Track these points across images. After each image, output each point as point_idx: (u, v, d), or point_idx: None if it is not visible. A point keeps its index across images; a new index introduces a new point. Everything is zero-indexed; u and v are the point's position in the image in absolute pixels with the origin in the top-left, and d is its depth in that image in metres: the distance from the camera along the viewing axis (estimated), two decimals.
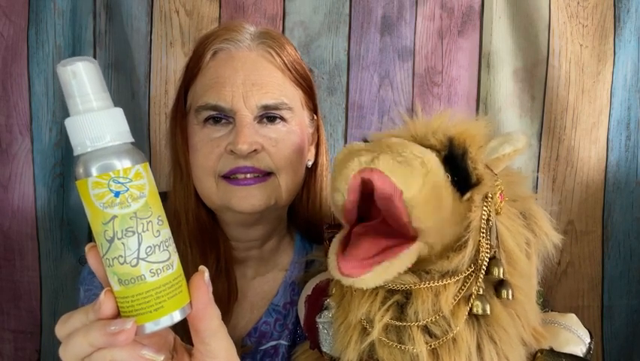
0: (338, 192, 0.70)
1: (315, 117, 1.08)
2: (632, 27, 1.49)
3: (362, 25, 1.52)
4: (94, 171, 0.57)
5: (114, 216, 0.57)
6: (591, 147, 1.51)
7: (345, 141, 1.54)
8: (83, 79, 0.57)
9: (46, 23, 1.48)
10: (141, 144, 1.53)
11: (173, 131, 1.02)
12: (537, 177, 1.53)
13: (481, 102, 1.54)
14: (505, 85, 1.53)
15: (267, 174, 0.95)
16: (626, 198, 1.53)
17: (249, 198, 0.94)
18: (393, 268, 0.71)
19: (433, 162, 0.68)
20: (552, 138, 1.52)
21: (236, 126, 0.93)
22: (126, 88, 1.52)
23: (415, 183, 0.65)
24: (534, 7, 1.49)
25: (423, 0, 1.51)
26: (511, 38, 1.52)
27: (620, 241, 1.53)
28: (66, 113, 0.58)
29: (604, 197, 1.53)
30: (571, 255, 1.54)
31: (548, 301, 0.92)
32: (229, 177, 0.94)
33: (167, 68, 1.52)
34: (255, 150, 0.93)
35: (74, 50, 1.50)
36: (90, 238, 1.53)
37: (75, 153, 0.58)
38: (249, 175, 0.94)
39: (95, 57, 1.49)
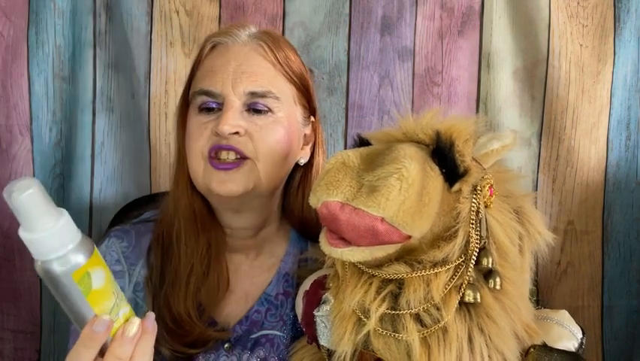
0: (315, 197, 0.75)
1: (313, 119, 1.12)
2: (632, 27, 1.49)
3: (362, 25, 1.52)
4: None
5: None
6: (591, 147, 1.52)
7: (346, 141, 1.54)
8: (27, 208, 0.62)
9: (46, 23, 1.48)
10: (141, 143, 1.53)
11: (178, 121, 1.08)
12: (537, 177, 1.53)
13: (481, 102, 1.54)
14: (505, 85, 1.53)
15: (247, 159, 0.99)
16: (626, 198, 1.53)
17: (227, 182, 0.98)
18: (381, 248, 0.74)
19: (413, 167, 0.71)
20: (552, 138, 1.52)
21: (222, 110, 0.99)
22: (126, 88, 1.53)
23: (392, 202, 0.69)
24: (534, 7, 1.49)
25: (423, 0, 1.51)
26: (511, 38, 1.52)
27: (620, 241, 1.54)
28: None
29: (604, 197, 1.53)
30: (571, 255, 1.54)
31: (543, 301, 0.94)
32: (213, 157, 0.99)
33: (167, 68, 1.52)
34: (237, 133, 0.97)
35: (74, 50, 1.50)
36: (90, 238, 1.52)
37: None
38: (231, 155, 0.98)
39: (94, 57, 1.50)
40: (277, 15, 1.52)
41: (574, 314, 1.01)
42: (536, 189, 1.54)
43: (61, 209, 0.65)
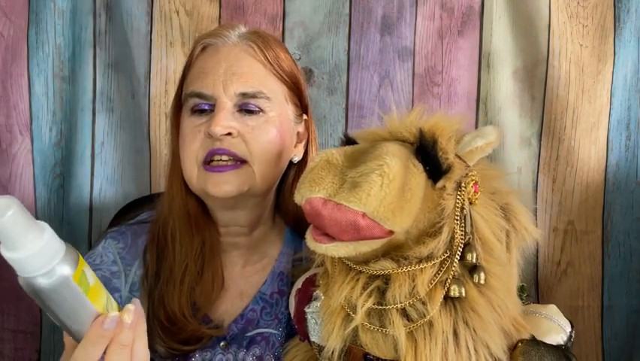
0: (299, 194, 0.77)
1: (306, 116, 1.13)
2: (632, 27, 1.49)
3: (362, 25, 1.52)
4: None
5: None
6: (591, 147, 1.51)
7: None
8: (9, 229, 0.60)
9: (46, 23, 1.49)
10: (141, 143, 1.54)
11: (172, 122, 1.10)
12: (537, 177, 1.53)
13: (481, 102, 1.54)
14: (505, 85, 1.53)
15: (242, 162, 1.00)
16: (626, 198, 1.52)
17: (222, 184, 0.99)
18: (365, 243, 0.75)
19: (395, 164, 0.72)
20: (552, 138, 1.52)
21: (214, 111, 1.00)
22: (126, 88, 1.53)
23: (373, 198, 0.70)
24: (534, 7, 1.49)
25: (423, 0, 1.51)
26: (511, 38, 1.52)
27: (620, 241, 1.53)
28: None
29: (604, 197, 1.52)
30: (571, 255, 1.53)
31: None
32: (208, 162, 1.00)
33: (167, 68, 1.52)
34: (230, 134, 0.99)
35: (74, 50, 1.51)
36: (90, 238, 1.54)
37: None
38: (224, 158, 0.99)
39: (95, 57, 1.51)
40: (277, 15, 1.53)
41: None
42: (536, 189, 1.53)
43: (42, 223, 0.63)
